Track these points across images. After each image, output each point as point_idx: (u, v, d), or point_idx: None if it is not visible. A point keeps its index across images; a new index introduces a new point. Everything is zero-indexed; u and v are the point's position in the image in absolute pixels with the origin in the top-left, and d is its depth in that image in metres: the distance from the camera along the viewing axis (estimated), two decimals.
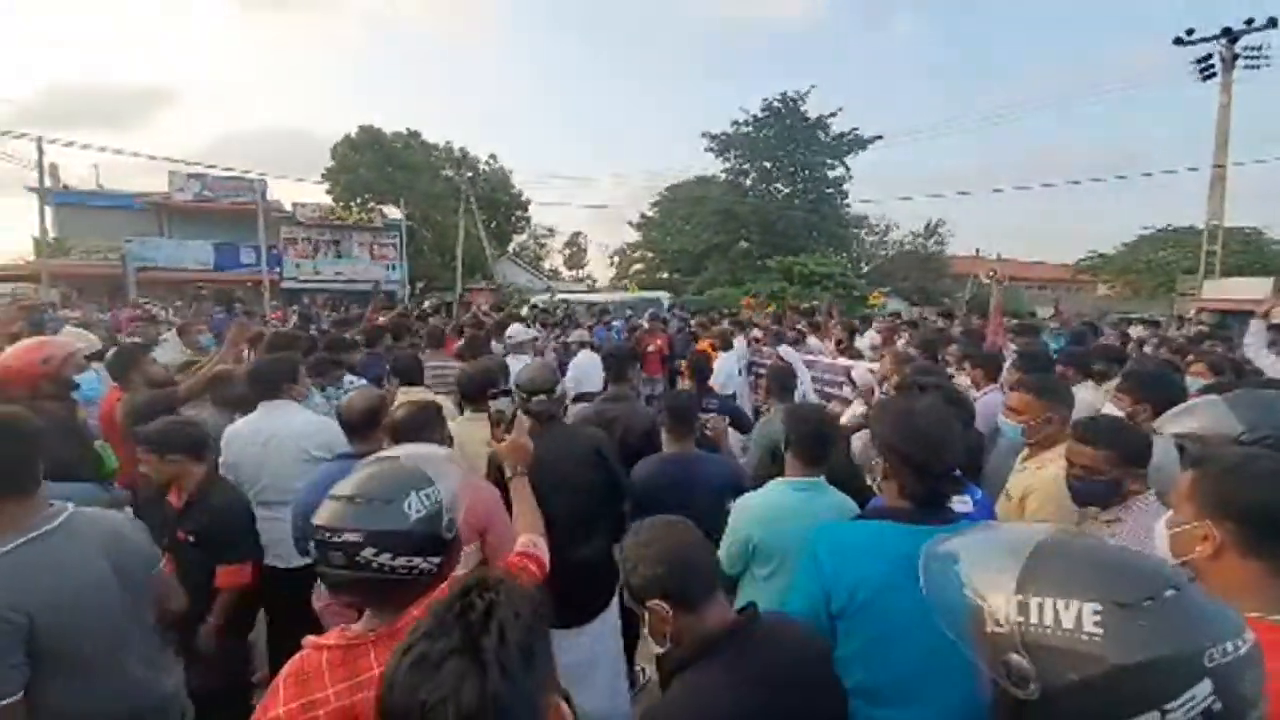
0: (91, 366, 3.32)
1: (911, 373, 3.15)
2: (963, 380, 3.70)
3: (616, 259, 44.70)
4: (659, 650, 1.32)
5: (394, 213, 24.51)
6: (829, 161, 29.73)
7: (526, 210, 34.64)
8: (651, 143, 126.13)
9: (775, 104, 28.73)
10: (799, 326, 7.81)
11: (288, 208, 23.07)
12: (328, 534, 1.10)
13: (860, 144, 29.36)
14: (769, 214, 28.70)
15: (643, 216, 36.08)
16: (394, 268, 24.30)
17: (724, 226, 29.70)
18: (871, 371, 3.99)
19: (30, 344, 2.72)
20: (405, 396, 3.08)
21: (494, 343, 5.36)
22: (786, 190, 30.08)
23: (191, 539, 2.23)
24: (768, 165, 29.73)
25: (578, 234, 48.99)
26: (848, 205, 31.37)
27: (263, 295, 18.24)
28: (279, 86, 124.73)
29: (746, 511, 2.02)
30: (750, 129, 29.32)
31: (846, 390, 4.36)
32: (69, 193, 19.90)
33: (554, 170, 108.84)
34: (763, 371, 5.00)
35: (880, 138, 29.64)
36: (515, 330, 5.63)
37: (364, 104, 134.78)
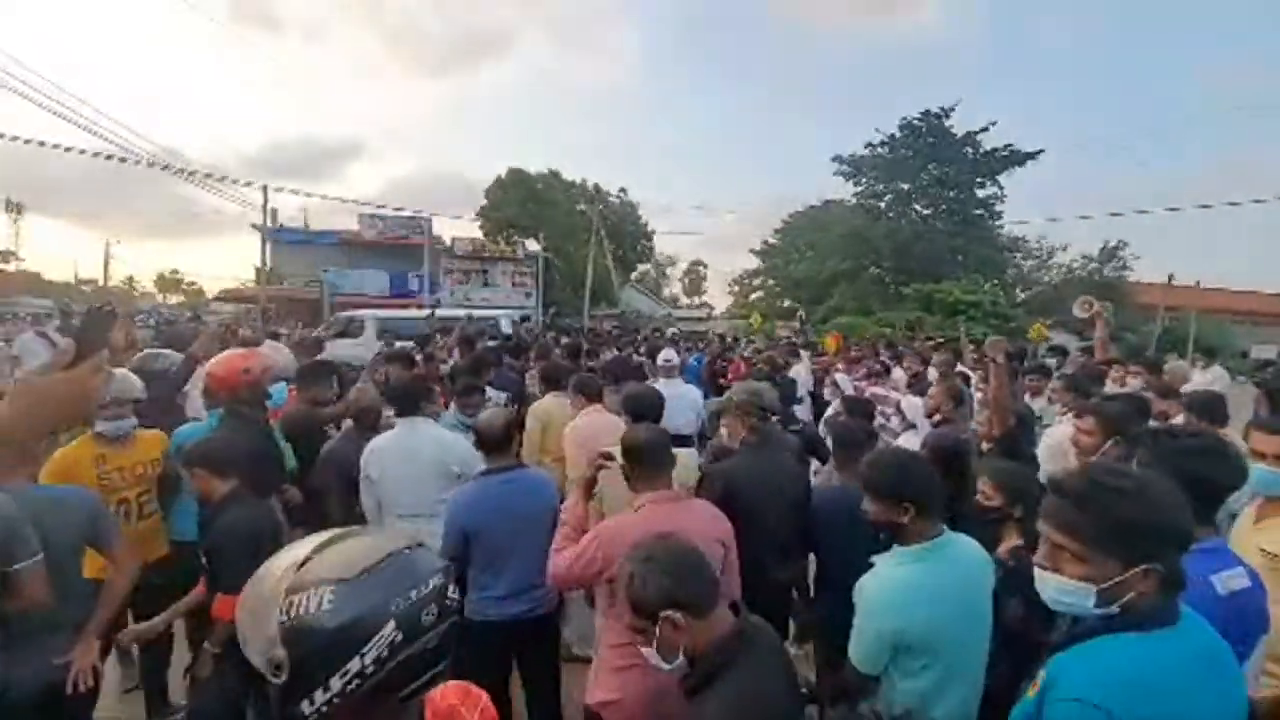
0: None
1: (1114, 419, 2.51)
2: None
3: (736, 286, 44.56)
4: (666, 666, 1.32)
5: (533, 245, 26.85)
6: (979, 180, 27.26)
7: (651, 240, 35.97)
8: (776, 170, 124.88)
9: (915, 122, 27.09)
10: (882, 358, 7.13)
11: (447, 242, 26.24)
12: None
13: (1017, 160, 26.59)
14: (905, 238, 26.86)
15: (764, 243, 35.75)
16: (530, 295, 26.44)
17: (852, 252, 28.32)
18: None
19: (236, 354, 2.99)
20: (551, 397, 3.79)
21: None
22: (927, 212, 28.00)
23: (204, 558, 2.17)
24: (905, 187, 27.96)
25: (697, 262, 49.73)
26: (1000, 227, 28.40)
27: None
28: (443, 137, 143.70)
29: (878, 598, 1.62)
30: (886, 150, 27.87)
31: (894, 421, 4.24)
32: (283, 230, 24.40)
33: (679, 199, 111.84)
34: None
35: (1041, 152, 26.66)
36: (667, 355, 5.90)
37: (513, 148, 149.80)
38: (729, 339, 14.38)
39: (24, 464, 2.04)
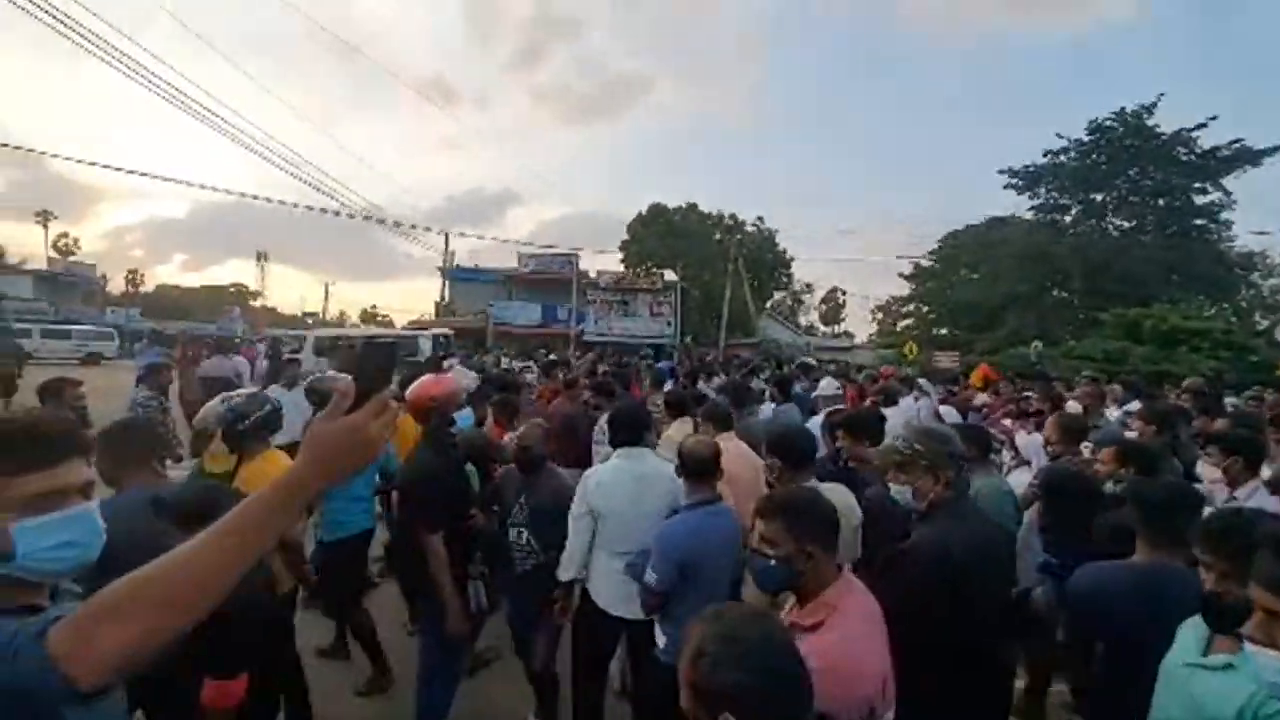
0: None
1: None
2: (1209, 473, 3.05)
3: (880, 314, 41.47)
4: None
5: (671, 276, 27.54)
6: (1196, 185, 22.84)
7: (789, 267, 34.99)
8: (922, 191, 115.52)
9: (1108, 124, 23.57)
10: (1029, 396, 6.08)
11: (593, 275, 27.89)
12: None
13: (1247, 158, 21.89)
14: (1100, 255, 23.16)
15: (916, 266, 32.76)
16: (669, 323, 27.00)
17: (1031, 273, 24.96)
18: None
19: (428, 380, 3.05)
20: (677, 424, 3.79)
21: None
22: (1128, 224, 24.01)
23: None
24: (1098, 197, 24.32)
25: (834, 289, 47.24)
26: (1230, 239, 23.42)
27: (569, 346, 22.23)
28: (591, 181, 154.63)
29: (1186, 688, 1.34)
30: (1071, 157, 24.51)
31: (1005, 456, 4.03)
32: (458, 270, 27.64)
33: (818, 225, 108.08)
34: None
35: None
36: (826, 384, 5.80)
37: (657, 185, 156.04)
38: (873, 371, 13.12)
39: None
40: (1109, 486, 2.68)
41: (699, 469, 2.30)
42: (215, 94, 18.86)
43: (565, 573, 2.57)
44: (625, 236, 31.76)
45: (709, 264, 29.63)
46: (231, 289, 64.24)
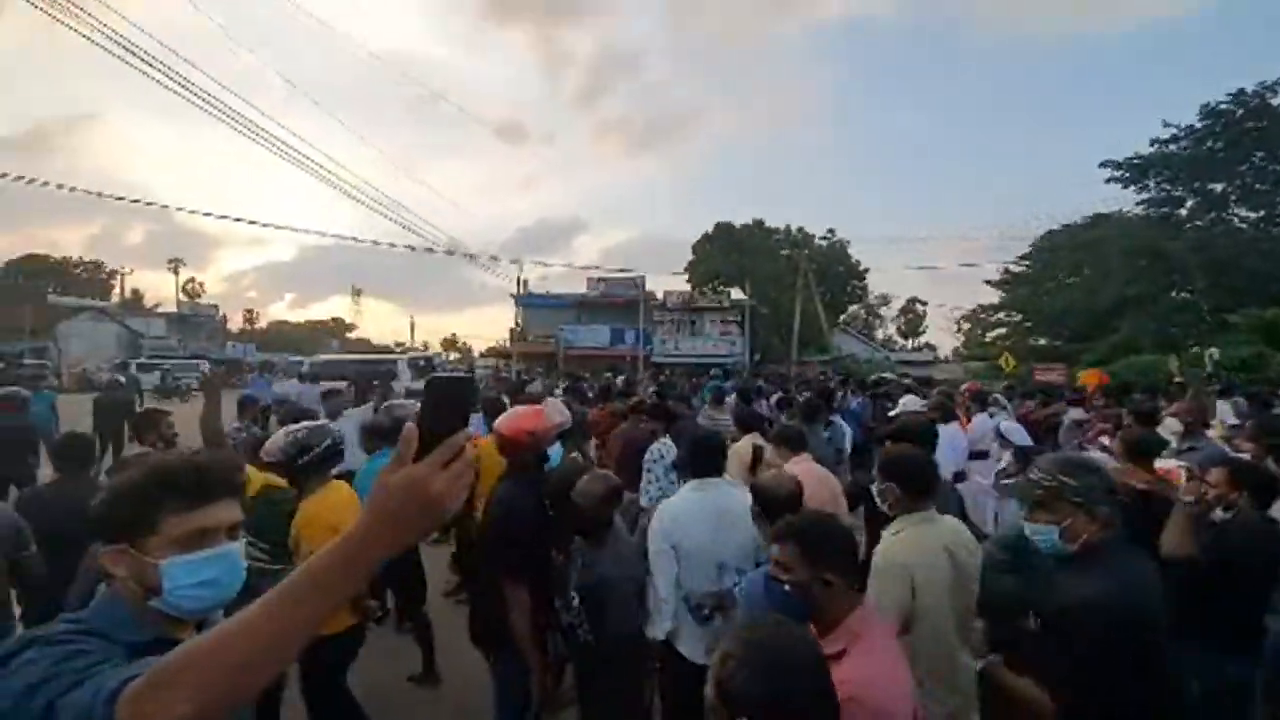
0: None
1: None
2: None
3: (965, 324, 38.81)
4: None
5: (739, 294, 27.23)
6: None
7: (863, 279, 33.69)
8: (1004, 194, 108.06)
9: (1224, 107, 21.21)
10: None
11: (660, 296, 28.06)
12: None
13: None
14: (1224, 250, 20.68)
15: (1006, 272, 30.41)
16: (736, 342, 26.60)
17: (1146, 273, 22.58)
18: None
19: (523, 414, 2.85)
20: (747, 439, 3.71)
21: None
22: (1255, 215, 21.35)
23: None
24: (1217, 188, 21.83)
25: (913, 300, 44.77)
26: None
27: (638, 368, 22.36)
28: (658, 205, 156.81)
29: None
30: (1184, 144, 22.19)
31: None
32: (530, 296, 28.66)
33: (893, 235, 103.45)
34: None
35: None
36: (908, 401, 5.74)
37: (727, 203, 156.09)
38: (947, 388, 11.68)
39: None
40: (1218, 514, 2.31)
41: (781, 511, 2.02)
42: (314, 144, 20.81)
43: (660, 627, 2.29)
44: (691, 257, 31.83)
45: (777, 280, 29.08)
46: (331, 322, 70.10)
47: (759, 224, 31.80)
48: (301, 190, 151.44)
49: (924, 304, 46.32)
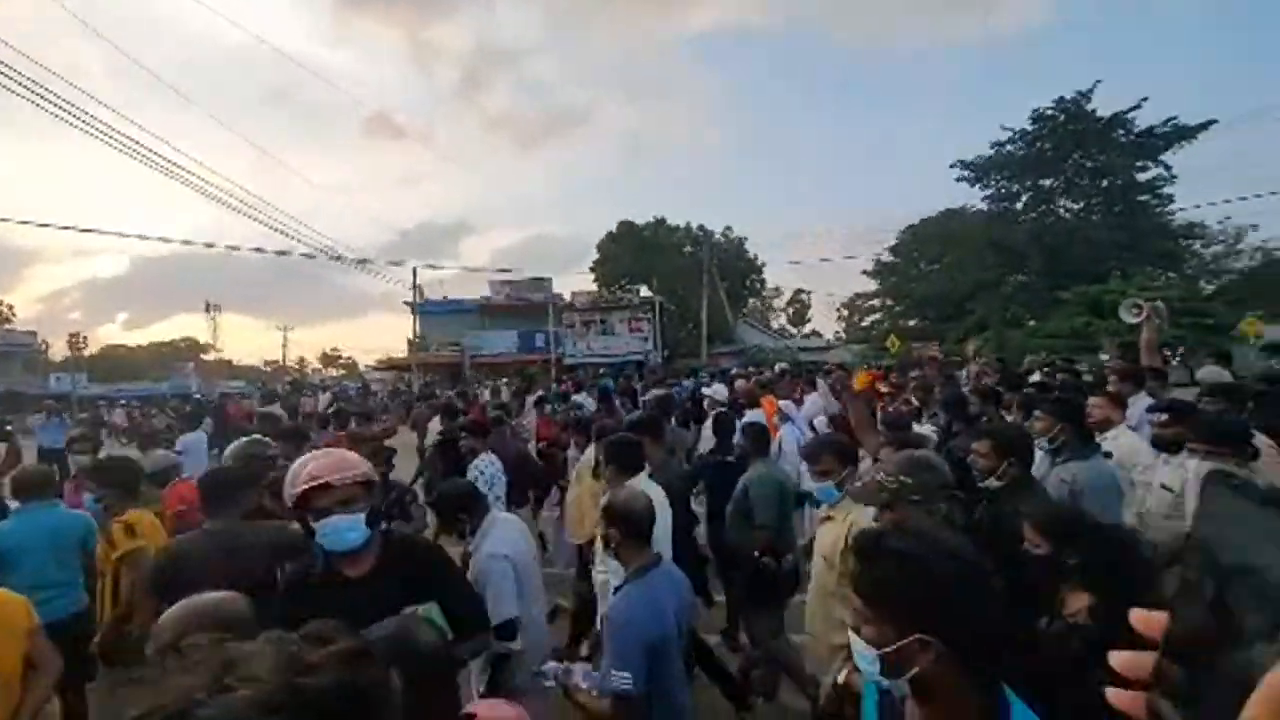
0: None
1: None
2: None
3: (845, 312, 42.41)
4: None
5: (646, 291, 27.48)
6: (1138, 163, 24.17)
7: (761, 273, 35.47)
8: (871, 190, 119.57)
9: (1049, 112, 24.76)
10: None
11: (567, 298, 27.56)
12: None
13: (1183, 134, 23.29)
14: (1056, 238, 24.20)
15: (878, 262, 33.73)
16: (648, 339, 26.85)
17: (992, 261, 25.95)
18: None
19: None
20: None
21: None
22: (1077, 207, 25.17)
23: None
24: (1047, 183, 25.42)
25: (800, 291, 48.07)
26: (1170, 213, 24.78)
27: (550, 372, 21.81)
28: (556, 205, 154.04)
29: None
30: (1018, 146, 25.62)
31: None
32: (427, 303, 26.91)
33: (777, 230, 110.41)
34: None
35: (1213, 123, 23.14)
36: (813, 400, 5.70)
37: (621, 202, 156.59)
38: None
39: None
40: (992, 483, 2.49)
41: (638, 529, 1.93)
42: (156, 134, 17.88)
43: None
44: (595, 256, 31.62)
45: (682, 276, 29.73)
46: (182, 343, 61.25)
47: (661, 222, 32.27)
48: (136, 195, 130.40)
49: (809, 294, 49.78)
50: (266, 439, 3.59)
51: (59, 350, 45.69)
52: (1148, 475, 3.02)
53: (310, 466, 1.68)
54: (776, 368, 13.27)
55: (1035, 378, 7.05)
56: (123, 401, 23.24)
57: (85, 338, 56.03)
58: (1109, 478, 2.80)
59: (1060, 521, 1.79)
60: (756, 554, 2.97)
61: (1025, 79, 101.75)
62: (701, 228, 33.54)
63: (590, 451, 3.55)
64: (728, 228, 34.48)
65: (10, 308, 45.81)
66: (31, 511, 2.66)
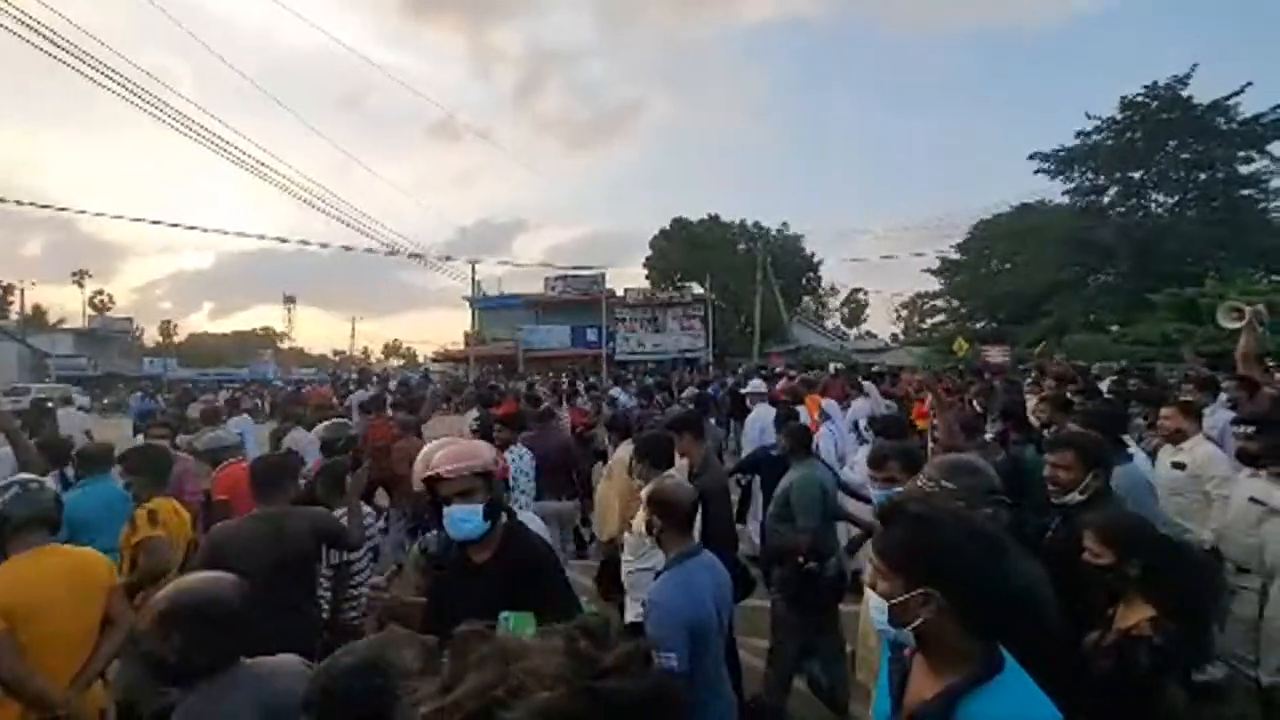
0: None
1: None
2: None
3: (904, 312, 40.56)
4: None
5: (698, 289, 27.23)
6: (1240, 155, 21.94)
7: (817, 271, 34.49)
8: (938, 186, 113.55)
9: (1140, 99, 22.79)
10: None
11: (620, 293, 27.70)
12: None
13: None
14: (1145, 235, 22.29)
15: (943, 261, 31.99)
16: (699, 337, 26.61)
17: (1073, 258, 24.13)
18: None
19: None
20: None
21: None
22: (1171, 201, 23.11)
23: None
24: (1136, 175, 23.45)
25: (856, 290, 46.35)
26: (1276, 209, 22.38)
27: (600, 368, 21.96)
28: (609, 199, 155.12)
29: None
30: (1105, 136, 23.73)
31: None
32: (485, 299, 27.66)
33: (835, 227, 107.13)
34: None
35: None
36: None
37: (674, 199, 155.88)
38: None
39: None
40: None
41: (680, 518, 1.98)
42: (241, 134, 19.10)
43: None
44: (648, 253, 31.62)
45: (735, 274, 29.29)
46: (260, 332, 65.69)
47: (715, 218, 31.92)
48: (218, 193, 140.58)
49: (865, 293, 48.01)
50: (347, 420, 3.80)
51: (150, 336, 49.90)
52: (1225, 488, 2.94)
53: (432, 457, 1.76)
54: (831, 368, 12.91)
55: (1104, 385, 6.51)
56: (221, 385, 24.97)
57: (175, 325, 61.19)
58: (1140, 478, 2.75)
59: (1126, 530, 1.71)
60: (800, 558, 2.83)
61: (1109, 64, 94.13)
62: (756, 224, 32.97)
63: (624, 448, 3.50)
64: (783, 224, 33.75)
65: (110, 297, 50.30)
66: (96, 482, 2.90)
